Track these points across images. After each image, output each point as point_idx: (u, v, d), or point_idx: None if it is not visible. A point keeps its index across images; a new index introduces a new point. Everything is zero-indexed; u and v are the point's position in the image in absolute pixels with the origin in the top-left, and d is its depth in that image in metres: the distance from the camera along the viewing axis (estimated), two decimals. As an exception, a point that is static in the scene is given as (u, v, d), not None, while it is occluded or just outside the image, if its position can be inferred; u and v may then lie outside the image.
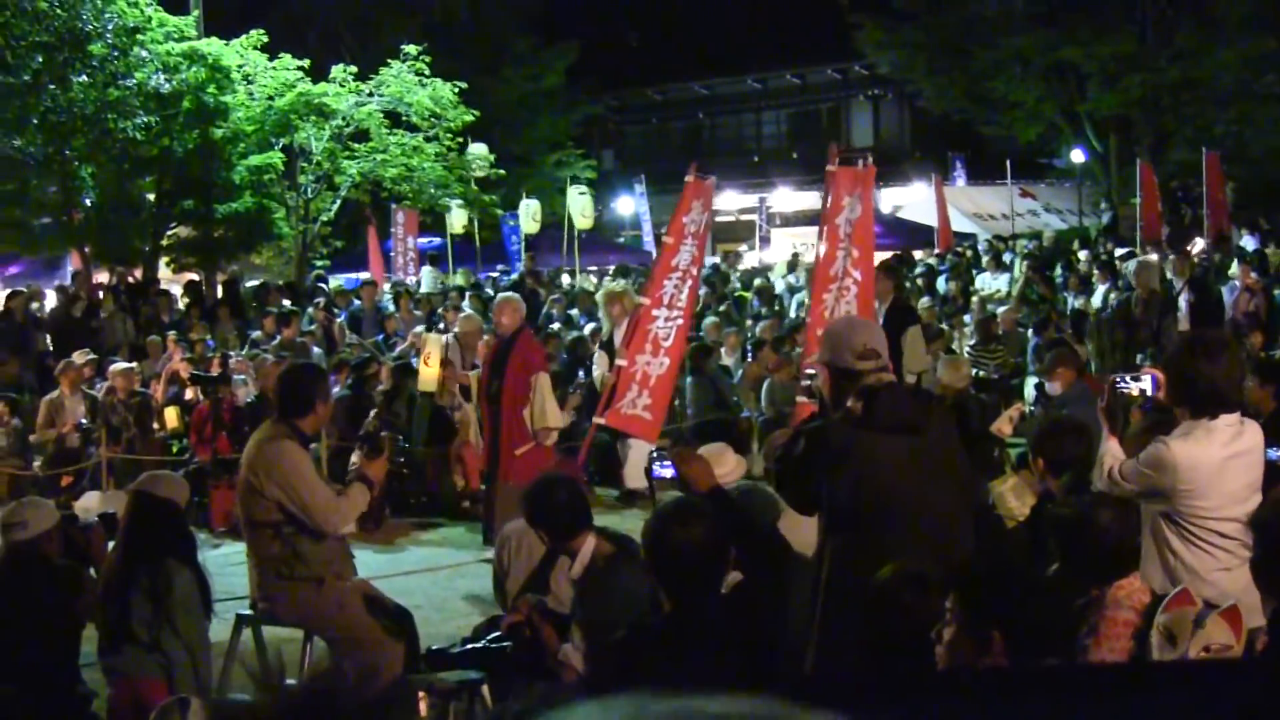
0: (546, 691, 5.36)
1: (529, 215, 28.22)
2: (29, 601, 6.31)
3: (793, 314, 21.94)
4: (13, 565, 6.48)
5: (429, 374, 14.88)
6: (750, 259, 36.69)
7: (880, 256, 28.45)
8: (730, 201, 45.29)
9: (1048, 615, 4.30)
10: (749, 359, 18.25)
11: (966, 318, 20.15)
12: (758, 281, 26.13)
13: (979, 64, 36.00)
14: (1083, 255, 26.27)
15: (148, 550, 6.46)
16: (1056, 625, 4.41)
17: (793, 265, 27.86)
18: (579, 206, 28.16)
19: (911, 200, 40.18)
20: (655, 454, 6.20)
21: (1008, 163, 34.39)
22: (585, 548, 5.99)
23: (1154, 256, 21.22)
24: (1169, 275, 17.51)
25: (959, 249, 29.90)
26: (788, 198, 46.12)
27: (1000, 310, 19.36)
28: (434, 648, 7.39)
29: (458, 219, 27.93)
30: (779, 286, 25.67)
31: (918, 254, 29.24)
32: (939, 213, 30.96)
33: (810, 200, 44.98)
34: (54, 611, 6.34)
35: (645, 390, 12.23)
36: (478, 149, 27.40)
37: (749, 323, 20.94)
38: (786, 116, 52.44)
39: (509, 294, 14.53)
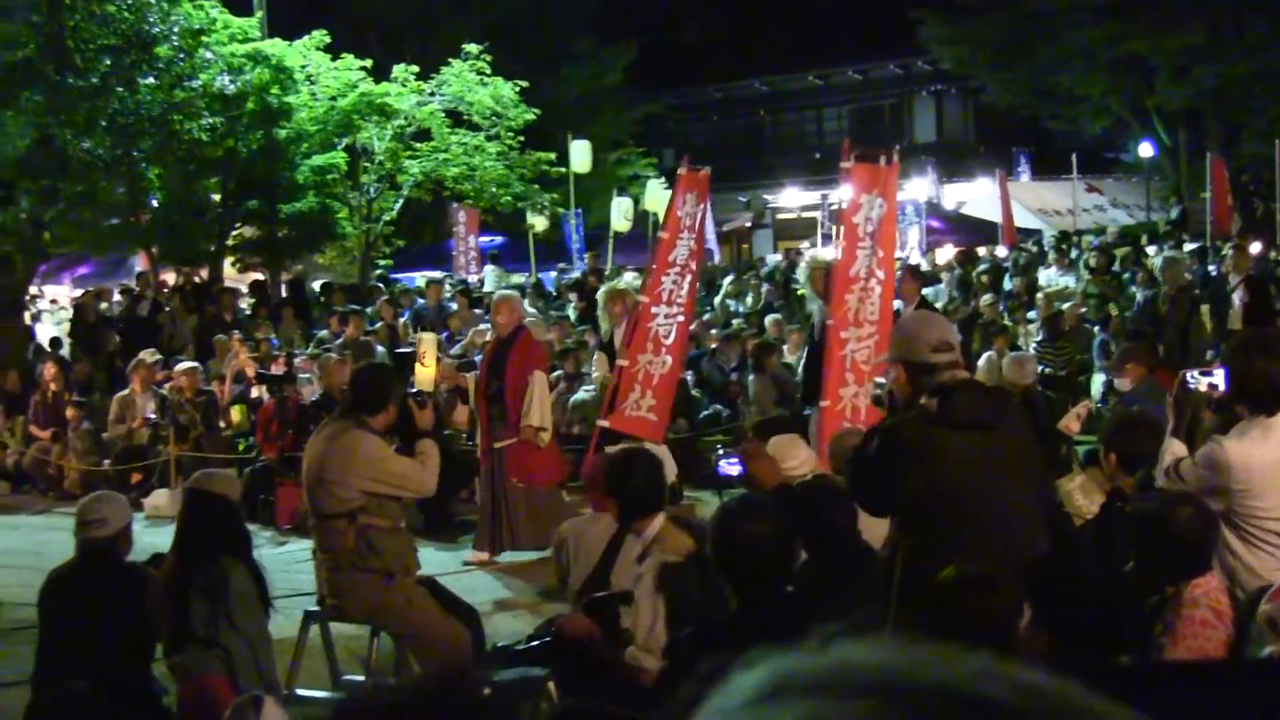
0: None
1: (621, 213, 28.08)
2: (104, 599, 6.32)
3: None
4: (89, 562, 6.48)
5: (425, 373, 14.72)
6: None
7: (947, 253, 28.40)
8: (792, 199, 45.11)
9: (1121, 613, 4.23)
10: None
11: (1031, 314, 19.95)
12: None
13: (1044, 58, 35.66)
14: (1151, 250, 25.97)
15: (203, 547, 6.46)
16: (1131, 623, 4.34)
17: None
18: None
19: (975, 196, 39.90)
20: (722, 451, 6.17)
21: (1073, 157, 34.01)
22: (651, 529, 5.98)
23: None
24: (1225, 270, 17.21)
25: (1023, 245, 29.65)
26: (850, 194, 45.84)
27: (1066, 306, 19.16)
28: (499, 644, 7.38)
29: (539, 219, 27.85)
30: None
31: (981, 250, 29.01)
32: (1003, 208, 30.71)
33: (873, 196, 44.71)
34: (127, 609, 6.35)
35: (648, 390, 12.05)
36: (580, 145, 27.25)
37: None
38: (848, 113, 52.09)
39: (506, 292, 14.33)
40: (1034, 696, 0.95)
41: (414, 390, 8.29)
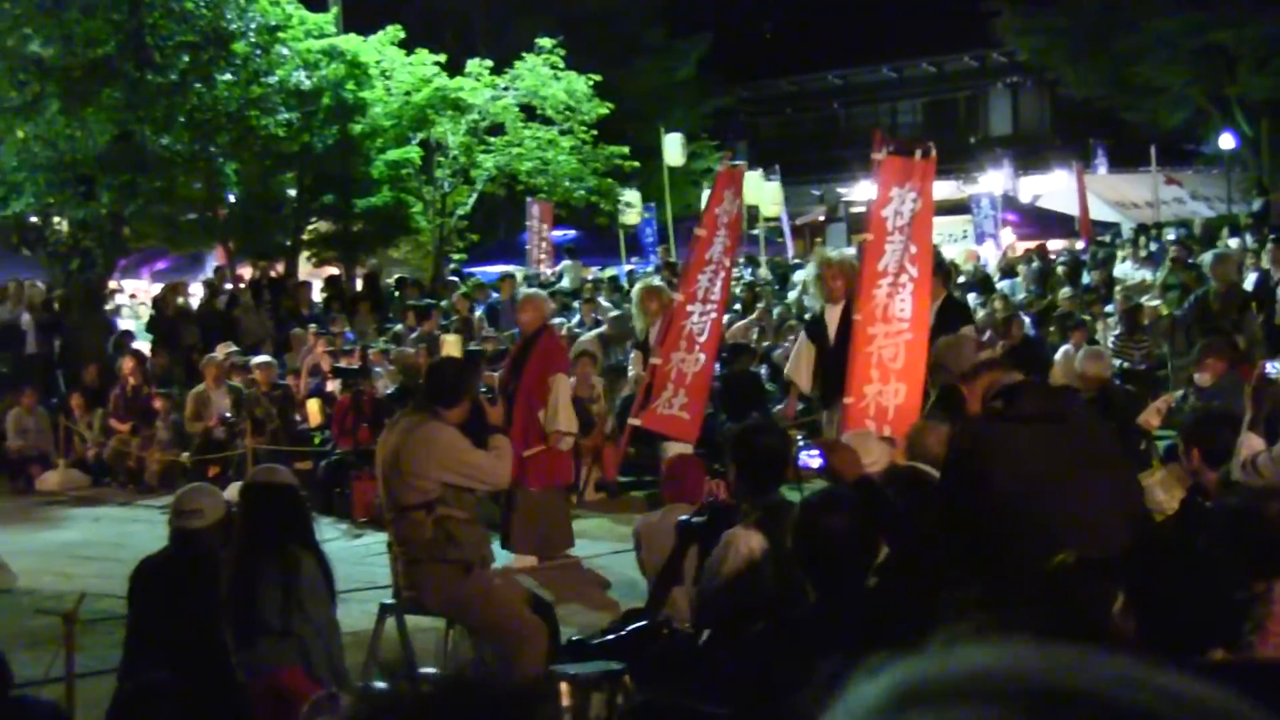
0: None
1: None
2: (193, 590, 6.33)
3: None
4: (180, 552, 6.50)
5: None
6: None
7: (1022, 246, 28.12)
8: (865, 192, 44.67)
9: (1211, 606, 4.15)
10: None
11: (1109, 308, 19.73)
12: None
13: (1122, 48, 35.20)
14: (1233, 243, 25.58)
15: (273, 537, 6.45)
16: (1220, 617, 4.26)
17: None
18: (769, 194, 27.85)
19: (1051, 189, 39.50)
20: (803, 443, 6.14)
21: (1152, 149, 33.59)
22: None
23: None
24: (1266, 266, 16.77)
25: (1101, 238, 29.33)
26: (924, 188, 45.58)
27: (1144, 300, 18.94)
28: (574, 638, 7.37)
29: (631, 213, 27.74)
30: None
31: (1055, 244, 28.74)
32: (1080, 201, 30.41)
33: (948, 190, 44.34)
34: (214, 603, 6.36)
35: (681, 389, 11.87)
36: (673, 139, 27.07)
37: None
38: (922, 106, 51.80)
39: (532, 290, 14.23)
40: (1177, 703, 0.91)
41: (484, 388, 8.31)
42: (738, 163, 12.85)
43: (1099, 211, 32.87)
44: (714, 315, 12.22)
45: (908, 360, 10.51)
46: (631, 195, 28.33)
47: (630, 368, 14.32)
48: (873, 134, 11.50)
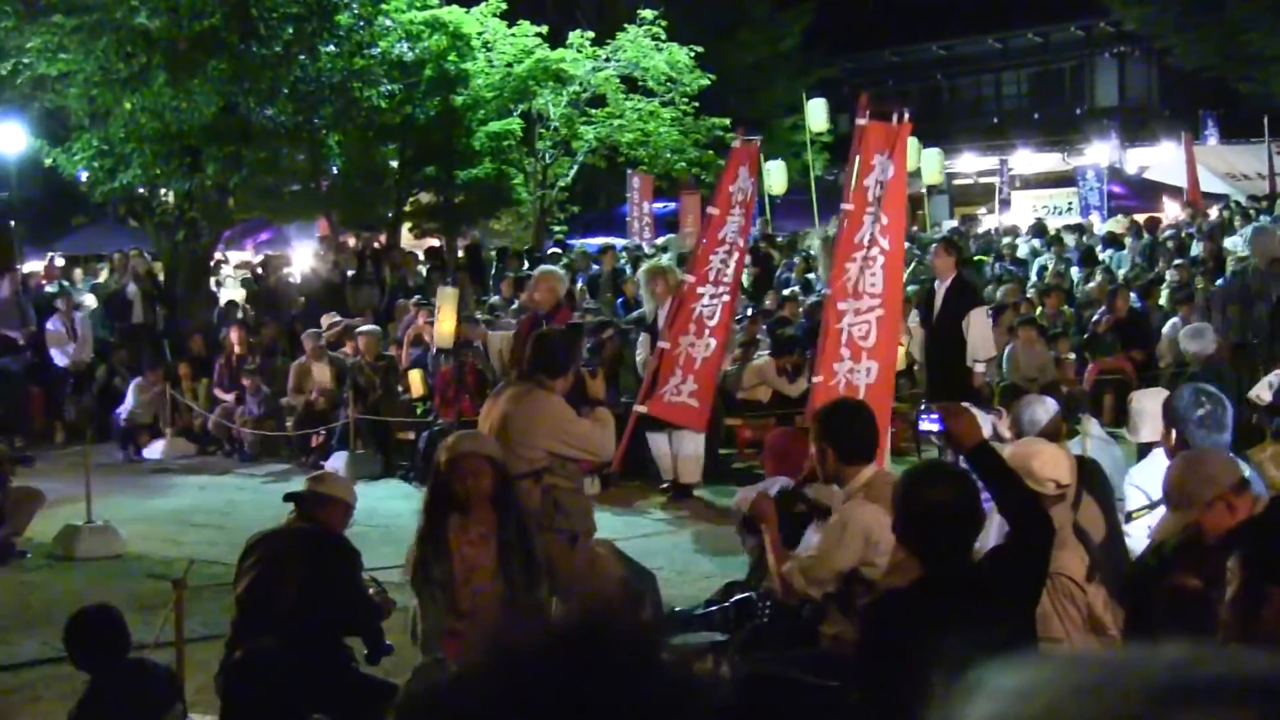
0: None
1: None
2: (309, 565, 6.36)
3: (1034, 278, 21.45)
4: (303, 529, 6.55)
5: (444, 330, 14.39)
6: (989, 222, 36.01)
7: (1133, 219, 27.65)
8: (968, 164, 44.35)
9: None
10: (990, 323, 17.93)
11: (1219, 282, 19.35)
12: (1004, 243, 25.53)
13: (1234, 17, 34.46)
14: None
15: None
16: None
17: (1040, 229, 26.99)
18: (929, 160, 27.25)
19: (1159, 161, 38.85)
20: (923, 407, 6.05)
21: (1264, 120, 32.86)
22: (860, 479, 5.86)
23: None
24: None
25: (1209, 210, 28.76)
26: (1029, 159, 45.00)
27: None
28: (677, 609, 7.35)
29: (777, 181, 27.14)
30: (1022, 250, 25.04)
31: (1162, 216, 28.25)
32: (1188, 173, 29.89)
33: (1053, 162, 43.77)
34: (333, 580, 6.37)
35: (690, 375, 11.57)
36: (817, 103, 26.62)
37: (989, 287, 20.45)
38: (1027, 77, 51.10)
39: (547, 268, 13.84)
40: None
41: (585, 361, 8.28)
42: (752, 139, 12.47)
43: (1209, 183, 32.25)
44: (726, 298, 11.86)
45: (880, 338, 10.21)
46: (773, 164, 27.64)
47: (638, 351, 13.65)
48: (859, 100, 10.92)
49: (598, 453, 7.28)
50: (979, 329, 12.13)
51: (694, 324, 11.63)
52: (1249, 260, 14.76)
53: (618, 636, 1.23)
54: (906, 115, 10.63)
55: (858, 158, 10.38)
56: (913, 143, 27.35)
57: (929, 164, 26.99)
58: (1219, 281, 16.55)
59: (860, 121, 10.46)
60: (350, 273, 21.58)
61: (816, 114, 26.37)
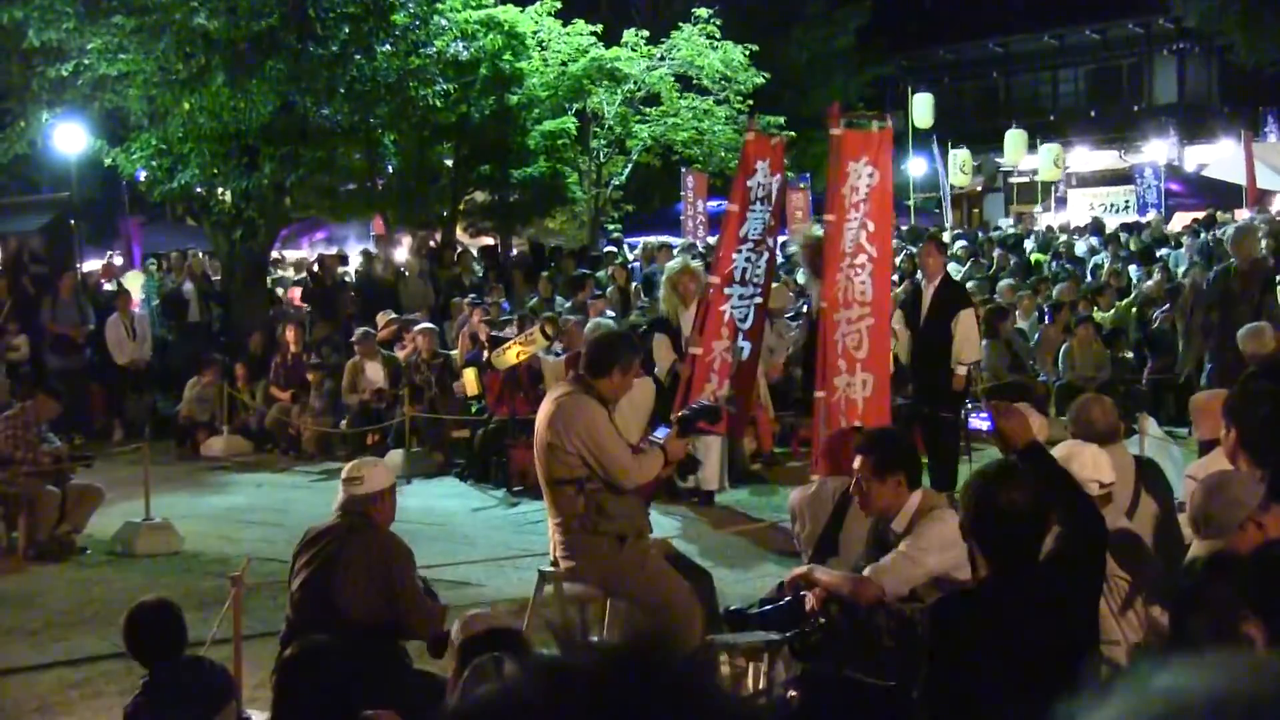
0: None
1: (956, 167, 27.38)
2: (355, 558, 6.37)
3: (1089, 278, 21.30)
4: (343, 519, 6.57)
5: (506, 358, 13.88)
6: (1046, 220, 35.81)
7: (1187, 217, 27.40)
8: (1025, 163, 44.08)
9: None
10: (1045, 321, 17.88)
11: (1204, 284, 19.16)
12: (1061, 241, 25.39)
13: (1296, 13, 34.10)
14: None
15: None
16: None
17: (1098, 227, 26.79)
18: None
19: (1218, 158, 38.44)
20: (970, 406, 6.05)
21: (1326, 118, 32.51)
22: (909, 504, 6.00)
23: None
24: None
25: (1269, 208, 28.46)
26: (1086, 157, 44.67)
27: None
28: (732, 608, 7.31)
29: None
30: (1080, 248, 24.87)
31: (1224, 215, 27.95)
32: (1247, 171, 29.52)
33: (1109, 160, 43.43)
34: (379, 573, 6.38)
35: (726, 380, 11.18)
36: (923, 99, 26.14)
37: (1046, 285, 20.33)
38: (1085, 74, 50.66)
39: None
40: None
41: (707, 405, 8.05)
42: (775, 135, 12.19)
43: (1268, 180, 31.87)
44: (758, 300, 11.50)
45: (872, 348, 10.09)
46: None
47: (655, 353, 12.97)
48: (830, 109, 10.75)
49: (615, 480, 7.02)
50: (966, 330, 11.86)
51: (725, 327, 11.31)
52: (1229, 262, 14.49)
53: (669, 663, 1.22)
54: (889, 122, 10.61)
55: (834, 167, 10.23)
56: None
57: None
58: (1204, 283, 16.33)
59: (835, 131, 10.24)
60: (405, 272, 21.65)
61: (922, 109, 26.30)
